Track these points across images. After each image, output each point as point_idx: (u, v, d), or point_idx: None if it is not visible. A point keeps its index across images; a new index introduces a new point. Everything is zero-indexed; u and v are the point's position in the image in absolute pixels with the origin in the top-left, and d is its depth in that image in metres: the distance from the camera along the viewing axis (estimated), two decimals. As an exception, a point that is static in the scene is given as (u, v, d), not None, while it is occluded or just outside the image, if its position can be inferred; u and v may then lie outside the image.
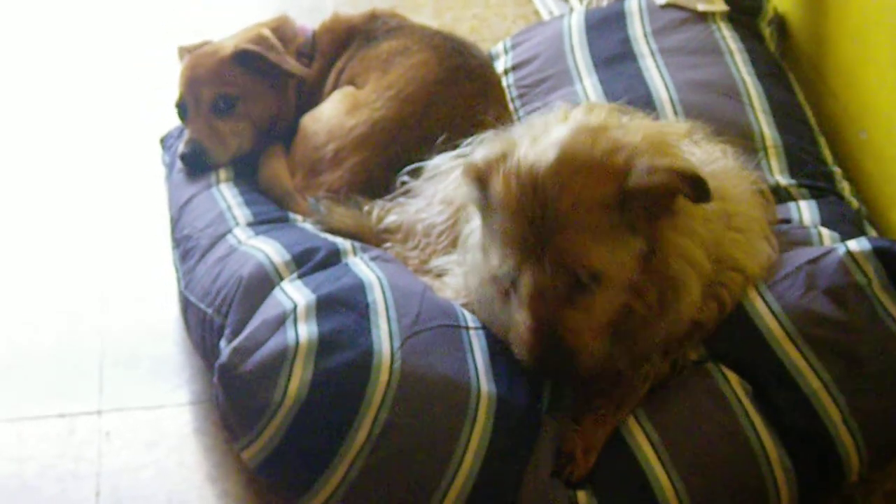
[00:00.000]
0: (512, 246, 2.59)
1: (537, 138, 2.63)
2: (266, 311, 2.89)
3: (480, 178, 2.66)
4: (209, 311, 3.14)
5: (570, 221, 2.51)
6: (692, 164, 2.67)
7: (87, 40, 5.10)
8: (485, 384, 2.76)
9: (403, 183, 3.45)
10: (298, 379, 2.68)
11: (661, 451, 2.70)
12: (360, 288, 2.90)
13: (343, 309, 2.83)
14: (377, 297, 2.87)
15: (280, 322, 2.81)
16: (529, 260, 2.56)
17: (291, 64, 3.77)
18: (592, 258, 2.54)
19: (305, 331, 2.76)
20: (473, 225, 2.86)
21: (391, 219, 3.37)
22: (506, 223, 2.59)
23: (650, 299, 2.65)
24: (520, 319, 2.64)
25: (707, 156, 2.93)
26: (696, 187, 2.50)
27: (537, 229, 2.53)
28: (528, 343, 2.63)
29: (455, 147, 3.40)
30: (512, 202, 2.56)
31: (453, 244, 3.20)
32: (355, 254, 3.14)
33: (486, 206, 2.67)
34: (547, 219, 2.52)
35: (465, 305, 2.99)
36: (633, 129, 2.70)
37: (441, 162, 3.39)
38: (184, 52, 3.86)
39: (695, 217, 2.64)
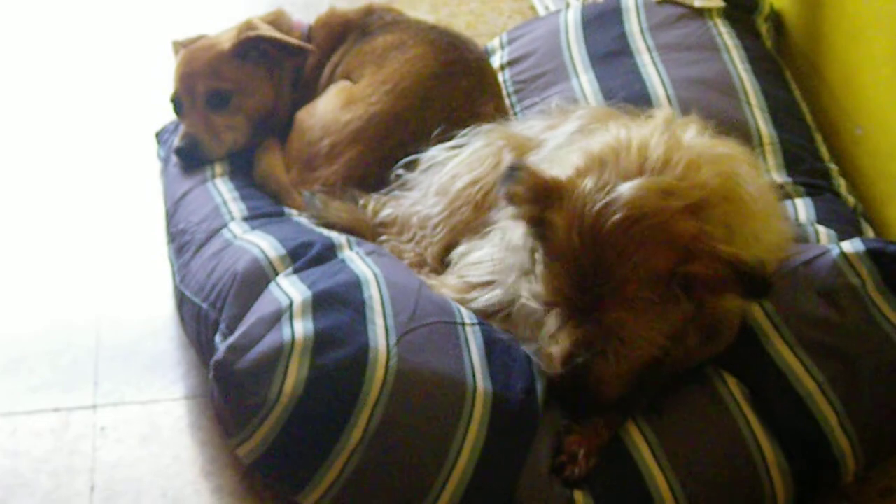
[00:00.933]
0: (562, 295, 2.56)
1: (605, 169, 2.55)
2: (262, 308, 2.89)
3: (538, 200, 2.59)
4: (204, 305, 3.14)
5: (625, 291, 2.49)
6: (754, 215, 2.65)
7: (83, 35, 5.09)
8: (481, 381, 2.76)
9: (399, 176, 3.45)
10: (294, 376, 2.68)
11: (658, 453, 2.70)
12: (356, 284, 2.90)
13: (339, 305, 2.82)
14: (373, 294, 2.87)
15: (276, 319, 2.81)
16: (575, 315, 2.55)
17: (296, 42, 3.76)
18: (637, 330, 2.54)
19: (301, 328, 2.75)
20: (518, 232, 2.79)
21: (387, 212, 3.37)
22: (561, 271, 2.55)
23: (690, 345, 2.66)
24: (553, 353, 2.65)
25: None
26: (751, 286, 2.47)
27: (590, 289, 2.51)
28: (554, 378, 2.67)
29: (450, 139, 3.39)
30: (570, 254, 2.52)
31: (450, 237, 3.20)
32: (350, 248, 3.14)
33: (541, 234, 2.61)
34: (601, 281, 2.49)
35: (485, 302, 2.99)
36: (709, 175, 2.60)
37: (436, 153, 3.39)
38: (178, 46, 3.86)
39: None
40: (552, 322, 2.62)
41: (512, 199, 2.62)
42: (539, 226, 2.61)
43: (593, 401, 2.66)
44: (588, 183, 2.53)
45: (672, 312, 2.54)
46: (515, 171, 2.62)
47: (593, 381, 2.62)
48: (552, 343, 2.67)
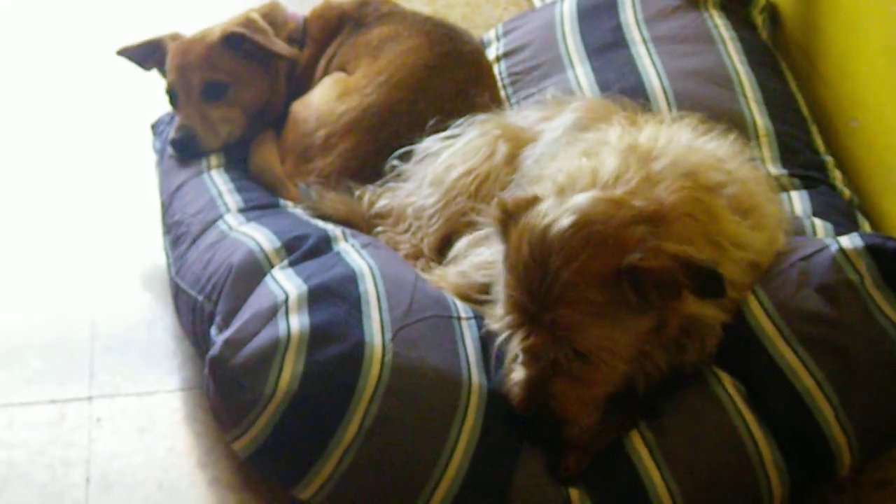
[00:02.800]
0: (513, 305, 2.57)
1: (565, 190, 2.60)
2: (258, 302, 2.88)
3: (504, 221, 2.63)
4: (200, 297, 3.14)
5: (570, 295, 2.49)
6: (724, 226, 2.65)
7: (78, 25, 5.09)
8: (476, 376, 2.76)
9: (394, 167, 3.45)
10: (290, 371, 2.68)
11: (655, 451, 2.70)
12: (351, 278, 2.89)
13: (335, 300, 2.82)
14: (369, 288, 2.87)
15: (272, 313, 2.80)
16: (526, 324, 2.55)
17: (279, 45, 3.76)
18: (588, 337, 2.53)
19: (297, 322, 2.75)
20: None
21: (382, 203, 3.37)
22: (511, 282, 2.58)
23: (659, 363, 2.66)
24: (513, 377, 2.65)
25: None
26: (700, 281, 2.47)
27: (538, 297, 2.52)
28: (518, 405, 2.65)
29: (445, 130, 3.39)
30: (519, 264, 2.55)
31: (445, 227, 3.20)
32: (346, 240, 3.13)
33: (504, 253, 2.65)
34: (549, 289, 2.50)
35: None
36: (668, 190, 2.62)
37: (431, 144, 3.39)
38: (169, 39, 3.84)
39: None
40: (513, 346, 2.63)
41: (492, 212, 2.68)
42: (502, 235, 2.66)
43: (559, 428, 2.64)
44: (544, 205, 2.58)
45: (629, 320, 2.54)
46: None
47: (555, 403, 2.60)
48: (514, 369, 2.67)
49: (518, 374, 2.64)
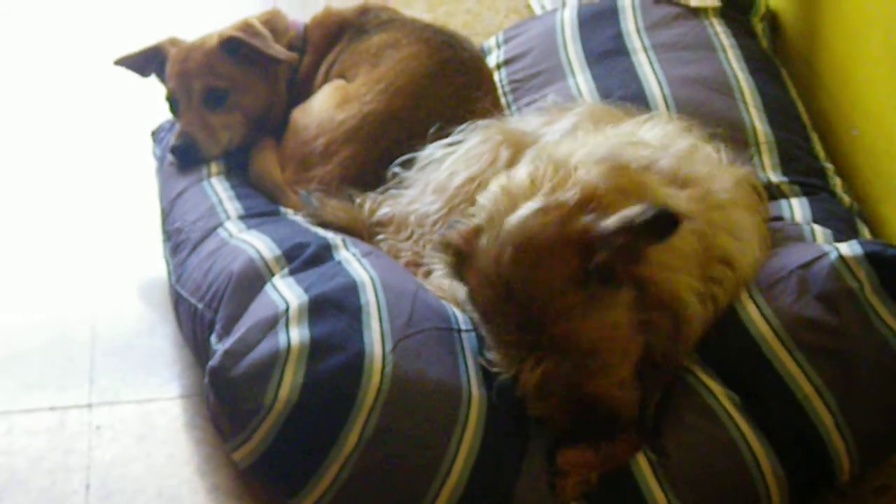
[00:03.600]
0: (507, 348, 2.58)
1: (496, 217, 2.59)
2: (258, 312, 2.88)
3: (457, 265, 2.65)
4: (200, 305, 3.14)
5: (552, 311, 2.49)
6: (657, 196, 2.62)
7: (79, 32, 5.09)
8: (476, 388, 2.76)
9: (395, 174, 3.45)
10: (290, 382, 2.68)
11: (656, 468, 2.70)
12: (352, 288, 2.89)
13: (335, 310, 2.81)
14: (370, 299, 2.86)
15: (272, 324, 2.80)
16: (529, 359, 2.54)
17: (277, 49, 3.75)
18: (587, 338, 2.53)
19: (297, 333, 2.75)
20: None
21: (383, 211, 3.36)
22: (493, 328, 2.59)
23: (665, 325, 2.65)
24: (535, 409, 2.63)
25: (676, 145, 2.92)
26: (654, 227, 2.45)
27: (526, 330, 2.52)
28: (562, 422, 2.63)
29: (446, 137, 3.39)
30: (490, 308, 2.56)
31: None
32: (346, 248, 3.13)
33: (469, 297, 2.67)
34: (529, 317, 2.50)
35: None
36: (587, 175, 2.61)
37: (433, 151, 3.39)
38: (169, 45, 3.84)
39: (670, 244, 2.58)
40: (525, 382, 2.60)
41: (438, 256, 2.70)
42: (459, 278, 2.68)
43: (615, 420, 2.64)
44: (482, 241, 2.58)
45: (612, 299, 2.53)
46: (444, 232, 2.71)
47: (598, 401, 2.59)
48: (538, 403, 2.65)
49: (537, 403, 2.61)
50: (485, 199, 2.72)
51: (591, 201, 2.53)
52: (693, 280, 2.67)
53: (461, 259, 2.63)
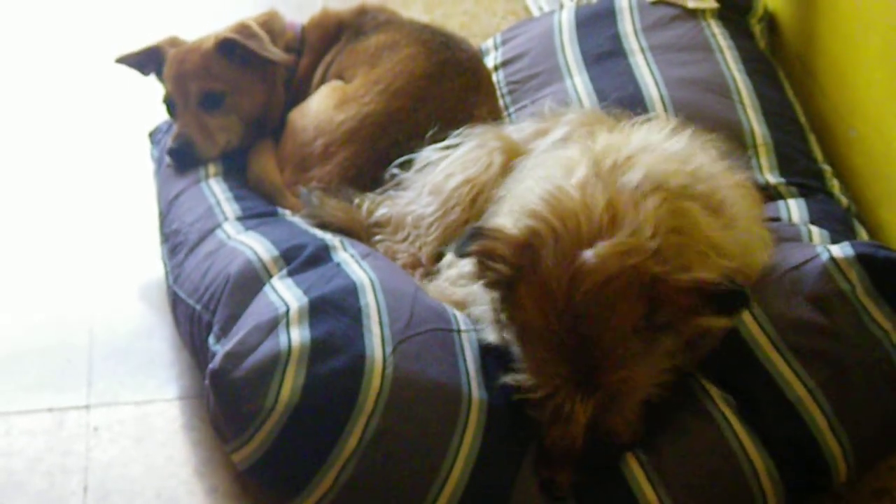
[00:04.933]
0: (554, 377, 2.55)
1: (564, 237, 2.55)
2: (258, 314, 2.87)
3: (509, 280, 2.60)
4: (198, 307, 3.14)
5: (616, 356, 2.50)
6: (704, 233, 2.64)
7: (76, 33, 5.09)
8: (476, 390, 2.76)
9: (393, 175, 3.45)
10: (290, 384, 2.67)
11: (648, 469, 2.70)
12: (352, 290, 2.88)
13: (335, 312, 2.81)
14: (369, 301, 2.86)
15: (272, 326, 2.80)
16: (576, 392, 2.54)
17: (273, 51, 3.75)
18: (638, 388, 2.56)
19: (298, 335, 2.75)
20: (484, 305, 2.82)
21: (381, 212, 3.36)
22: (544, 353, 2.56)
23: (680, 367, 2.66)
24: (574, 439, 2.61)
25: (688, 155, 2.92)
26: (726, 303, 2.49)
27: (582, 365, 2.52)
28: (576, 452, 2.62)
29: (444, 139, 3.39)
30: (551, 337, 2.53)
31: (443, 236, 3.20)
32: (345, 249, 3.13)
33: (513, 315, 2.63)
34: (591, 355, 2.50)
35: None
36: (653, 209, 2.59)
37: (430, 153, 3.39)
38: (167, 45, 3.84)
39: None
40: (566, 415, 2.59)
41: (482, 264, 2.63)
42: (506, 291, 2.63)
43: (623, 451, 2.68)
44: (549, 260, 2.54)
45: (659, 352, 2.56)
46: (479, 236, 2.63)
47: (612, 436, 2.61)
48: (555, 426, 2.63)
49: (572, 437, 2.60)
50: (540, 205, 2.65)
51: (659, 248, 2.53)
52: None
53: (518, 274, 2.58)
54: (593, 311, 2.49)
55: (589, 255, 2.52)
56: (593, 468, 2.68)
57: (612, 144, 2.84)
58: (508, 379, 2.66)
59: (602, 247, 2.53)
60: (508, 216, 2.75)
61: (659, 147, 2.84)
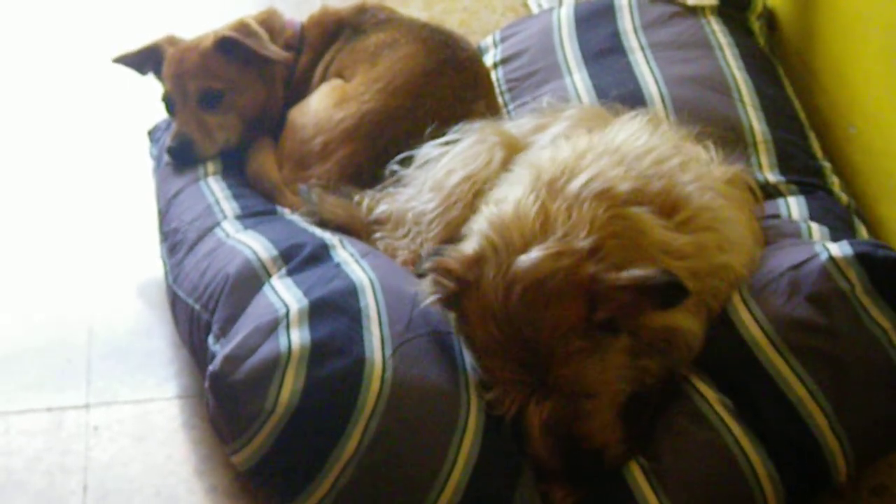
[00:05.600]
0: (507, 386, 2.59)
1: (502, 249, 2.60)
2: (258, 315, 2.87)
3: (454, 294, 2.65)
4: (197, 306, 3.14)
5: (559, 354, 2.52)
6: (653, 238, 2.65)
7: (75, 32, 5.09)
8: (475, 394, 2.75)
9: (393, 172, 3.45)
10: (290, 386, 2.67)
11: (650, 474, 2.70)
12: (352, 291, 2.88)
13: (335, 314, 2.81)
14: (369, 302, 2.86)
15: (272, 327, 2.79)
16: (529, 397, 2.57)
17: (272, 49, 3.75)
18: (591, 379, 2.56)
19: (298, 337, 2.74)
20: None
21: (381, 209, 3.36)
22: (493, 364, 2.60)
23: (656, 372, 2.68)
24: (538, 448, 2.63)
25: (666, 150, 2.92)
26: (664, 295, 2.50)
27: (529, 369, 2.54)
28: (555, 463, 2.64)
29: (444, 135, 3.39)
30: (495, 346, 2.57)
31: (444, 233, 3.20)
32: (344, 248, 3.12)
33: (463, 330, 2.70)
34: (535, 358, 2.53)
35: None
36: (592, 216, 2.62)
37: (430, 150, 3.38)
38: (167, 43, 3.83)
39: None
40: (529, 420, 2.62)
41: (436, 281, 2.69)
42: (455, 308, 2.69)
43: (601, 458, 2.65)
44: (489, 273, 2.59)
45: (611, 346, 2.56)
46: (436, 254, 2.71)
47: (585, 441, 2.61)
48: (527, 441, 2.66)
49: (536, 441, 2.62)
50: (485, 225, 2.71)
51: (600, 249, 2.56)
52: (687, 314, 2.69)
53: (462, 288, 2.63)
54: (530, 315, 2.52)
55: (521, 259, 2.56)
56: (592, 483, 2.69)
57: (566, 153, 2.85)
58: (483, 399, 2.71)
59: (534, 251, 2.57)
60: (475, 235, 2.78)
61: (620, 149, 2.85)
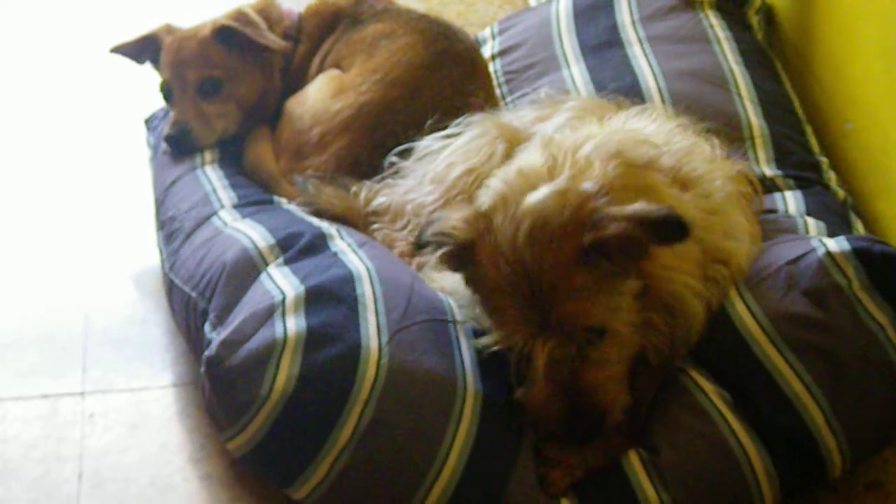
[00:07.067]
0: (514, 324, 2.58)
1: (512, 199, 2.61)
2: (254, 302, 2.87)
3: (459, 253, 2.65)
4: (193, 294, 3.14)
5: (563, 289, 2.51)
6: (663, 198, 2.63)
7: (72, 20, 5.08)
8: (471, 382, 2.76)
9: (392, 164, 3.45)
10: (286, 373, 2.68)
11: (648, 465, 2.70)
12: (349, 280, 2.88)
13: (332, 301, 2.81)
14: (366, 290, 2.86)
15: (269, 314, 2.80)
16: (535, 335, 2.56)
17: (270, 38, 3.75)
18: (592, 317, 2.54)
19: (294, 324, 2.75)
20: (454, 280, 2.86)
21: (380, 200, 3.36)
22: (503, 303, 2.59)
23: (664, 326, 2.67)
24: (539, 391, 2.63)
25: (679, 143, 2.92)
26: (661, 230, 2.48)
27: (535, 305, 2.53)
28: (555, 412, 2.63)
29: (444, 128, 3.39)
30: (504, 283, 2.56)
31: None
32: (341, 238, 3.12)
33: (474, 278, 2.68)
34: (541, 293, 2.52)
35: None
36: (602, 170, 2.63)
37: (430, 142, 3.38)
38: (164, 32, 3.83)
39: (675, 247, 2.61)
40: (535, 358, 2.61)
41: (438, 245, 2.69)
42: (466, 269, 2.68)
43: (603, 416, 2.63)
44: (497, 220, 2.60)
45: (619, 285, 2.55)
46: (432, 223, 2.71)
47: (591, 392, 2.60)
48: (534, 384, 2.65)
49: (543, 386, 2.62)
50: (497, 182, 2.72)
51: (607, 194, 2.55)
52: (694, 281, 2.68)
53: (465, 247, 2.63)
54: (535, 250, 2.52)
55: (529, 196, 2.58)
56: (589, 467, 2.70)
57: (579, 129, 2.87)
58: (476, 344, 2.73)
59: (542, 188, 2.59)
60: None
61: (630, 129, 2.86)
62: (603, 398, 2.62)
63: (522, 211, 2.56)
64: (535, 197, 2.57)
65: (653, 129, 2.91)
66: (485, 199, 2.71)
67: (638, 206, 2.49)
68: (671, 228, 2.47)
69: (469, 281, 2.70)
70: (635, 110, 3.12)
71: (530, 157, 2.76)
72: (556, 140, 2.80)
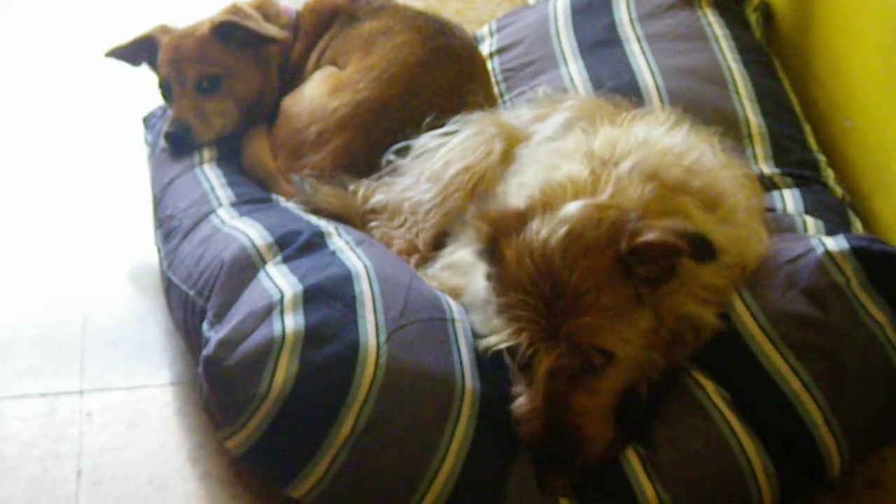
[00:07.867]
0: (525, 322, 2.57)
1: (551, 205, 2.61)
2: (252, 300, 2.87)
3: (491, 238, 2.64)
4: (191, 293, 3.13)
5: (585, 301, 2.51)
6: (696, 223, 2.64)
7: (70, 19, 5.08)
8: (469, 380, 2.76)
9: (389, 162, 3.45)
10: (284, 371, 2.67)
11: (646, 463, 2.70)
12: (347, 278, 2.88)
13: (330, 300, 2.81)
14: (364, 288, 2.86)
15: (267, 313, 2.79)
16: (544, 340, 2.55)
17: (270, 29, 3.75)
18: (605, 340, 2.54)
19: (292, 322, 2.74)
20: (479, 279, 2.83)
21: (377, 198, 3.36)
22: (517, 300, 2.57)
23: (659, 366, 2.67)
24: (528, 401, 2.63)
25: (693, 149, 2.92)
26: (696, 246, 2.49)
27: (551, 310, 2.53)
28: (535, 427, 2.62)
29: (442, 126, 3.39)
30: (524, 281, 2.55)
31: (442, 223, 3.21)
32: (339, 236, 3.12)
33: (496, 272, 2.66)
34: (561, 300, 2.52)
35: None
36: (641, 191, 2.65)
37: (428, 140, 3.38)
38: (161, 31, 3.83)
39: (702, 274, 2.64)
40: (537, 363, 2.60)
41: (476, 228, 2.68)
42: (492, 253, 2.65)
43: (580, 443, 2.62)
44: (533, 220, 2.60)
45: (636, 318, 2.56)
46: (482, 204, 2.71)
47: (575, 417, 2.59)
48: (523, 391, 2.65)
49: (534, 394, 2.62)
50: (538, 187, 2.71)
51: (643, 217, 2.56)
52: (707, 308, 2.70)
53: (498, 235, 2.62)
54: (567, 257, 2.51)
55: (570, 205, 2.58)
56: (587, 469, 2.70)
57: (610, 139, 2.86)
58: (483, 342, 2.68)
59: (583, 200, 2.59)
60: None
61: (658, 142, 2.85)
62: (585, 425, 2.61)
63: (562, 216, 2.56)
64: (575, 205, 2.58)
65: (678, 143, 2.89)
66: (520, 200, 2.69)
67: (673, 222, 2.53)
68: (701, 248, 2.50)
69: (489, 277, 2.69)
70: (641, 112, 3.10)
71: (573, 169, 2.74)
72: (596, 153, 2.79)
